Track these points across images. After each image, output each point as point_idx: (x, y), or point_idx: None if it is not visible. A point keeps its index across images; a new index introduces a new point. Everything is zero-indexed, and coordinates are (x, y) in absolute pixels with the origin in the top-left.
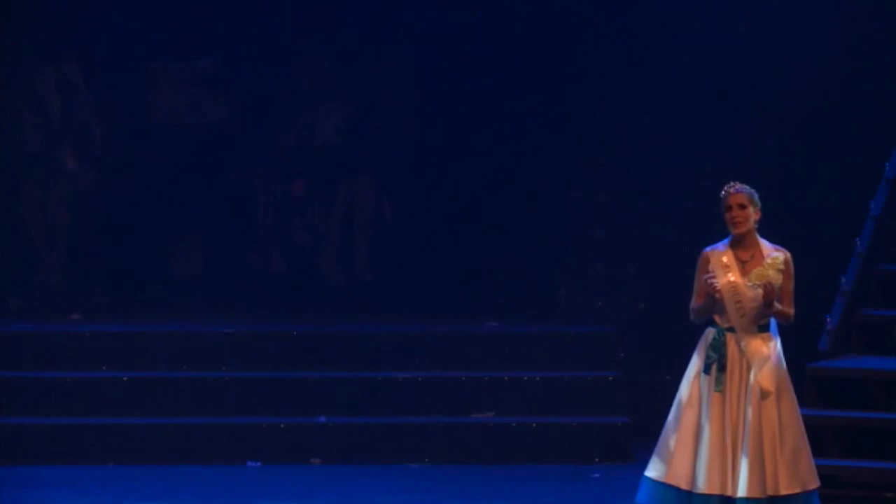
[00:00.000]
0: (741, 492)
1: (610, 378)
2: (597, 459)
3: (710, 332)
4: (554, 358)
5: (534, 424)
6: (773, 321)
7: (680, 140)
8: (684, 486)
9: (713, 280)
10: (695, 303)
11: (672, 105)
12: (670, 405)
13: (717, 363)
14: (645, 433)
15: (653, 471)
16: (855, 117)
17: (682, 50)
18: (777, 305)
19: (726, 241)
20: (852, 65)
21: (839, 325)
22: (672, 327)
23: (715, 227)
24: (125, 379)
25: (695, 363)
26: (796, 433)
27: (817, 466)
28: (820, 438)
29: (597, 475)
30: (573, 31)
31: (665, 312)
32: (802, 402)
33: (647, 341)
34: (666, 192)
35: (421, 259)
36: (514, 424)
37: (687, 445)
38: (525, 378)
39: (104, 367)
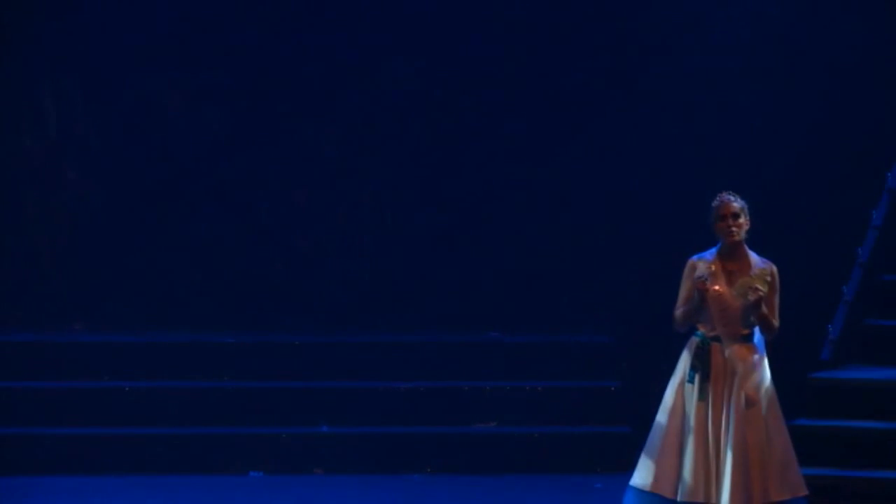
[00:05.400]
0: (724, 501)
1: (612, 388)
2: (598, 469)
3: (694, 341)
4: (556, 368)
5: (535, 434)
6: (758, 336)
7: (682, 151)
8: (669, 494)
9: (705, 280)
10: (679, 309)
11: (674, 115)
12: None
13: (701, 372)
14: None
15: (638, 479)
16: (856, 127)
17: (684, 60)
18: (763, 310)
19: (713, 250)
20: (854, 75)
21: (841, 334)
22: (674, 337)
23: (715, 239)
24: (127, 389)
25: (679, 371)
26: (784, 443)
27: (819, 477)
28: (821, 448)
29: (598, 485)
30: (573, 43)
31: (667, 322)
32: (804, 412)
33: (649, 351)
34: (668, 203)
35: (423, 269)
36: (515, 434)
37: (671, 454)
38: (527, 388)
39: (106, 377)
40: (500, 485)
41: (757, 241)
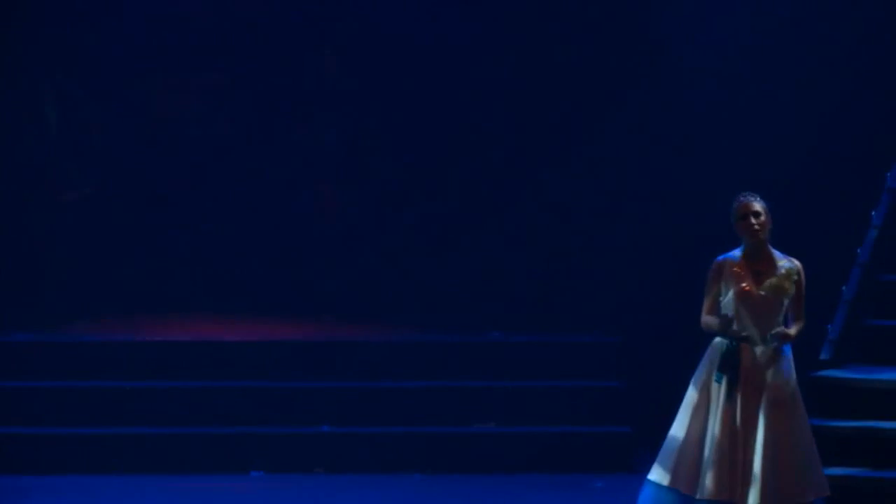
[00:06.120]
0: (752, 500)
1: (613, 388)
2: (599, 469)
3: (722, 341)
4: (557, 368)
5: (536, 434)
6: None
7: (681, 150)
8: (686, 490)
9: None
10: (707, 317)
11: (674, 118)
12: (673, 415)
13: (729, 373)
14: (647, 443)
15: (655, 474)
16: (856, 127)
17: (685, 63)
18: (794, 330)
19: (738, 250)
20: (854, 75)
21: (841, 334)
22: (675, 337)
23: (717, 238)
24: (128, 389)
25: (704, 370)
26: (809, 443)
27: None
28: (821, 448)
29: (599, 484)
30: (579, 44)
31: (668, 322)
32: None
33: (650, 351)
34: (669, 203)
35: (425, 268)
36: (516, 434)
37: (692, 451)
38: (528, 387)
39: (107, 377)
40: (501, 484)
41: None
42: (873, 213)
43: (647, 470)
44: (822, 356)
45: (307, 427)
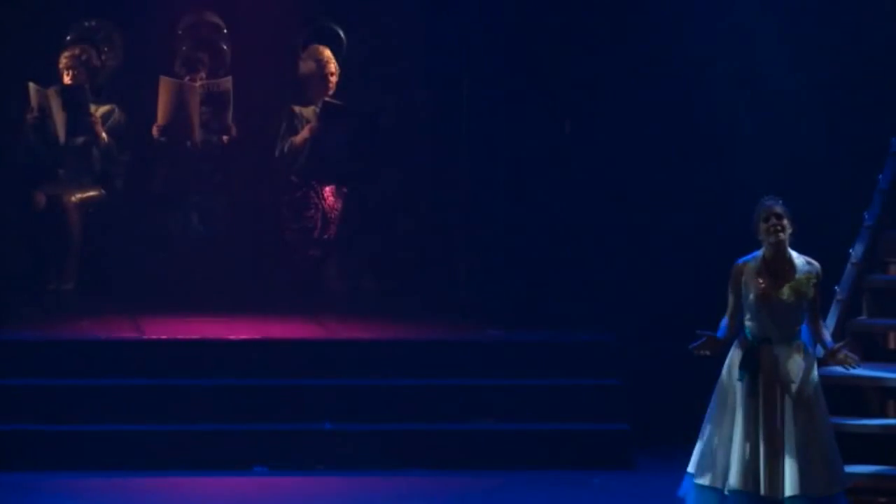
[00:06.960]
0: (781, 494)
1: (611, 385)
2: (597, 466)
3: (744, 340)
4: (554, 365)
5: (535, 431)
6: (804, 332)
7: (678, 152)
8: (721, 487)
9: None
10: (729, 316)
11: (675, 116)
12: (671, 413)
13: (750, 372)
14: (644, 440)
15: (698, 476)
16: (849, 129)
17: (679, 65)
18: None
19: (757, 253)
20: (846, 77)
21: (834, 333)
22: (674, 335)
23: (716, 237)
24: (131, 386)
25: (729, 370)
26: (832, 437)
27: None
28: None
29: (597, 481)
30: (574, 49)
31: (667, 320)
32: None
33: (648, 349)
34: (666, 204)
35: (423, 267)
36: (515, 431)
37: (727, 449)
38: (526, 385)
39: (110, 375)
40: (500, 481)
41: (753, 241)
42: (865, 213)
43: (645, 469)
44: (816, 354)
45: (309, 424)
